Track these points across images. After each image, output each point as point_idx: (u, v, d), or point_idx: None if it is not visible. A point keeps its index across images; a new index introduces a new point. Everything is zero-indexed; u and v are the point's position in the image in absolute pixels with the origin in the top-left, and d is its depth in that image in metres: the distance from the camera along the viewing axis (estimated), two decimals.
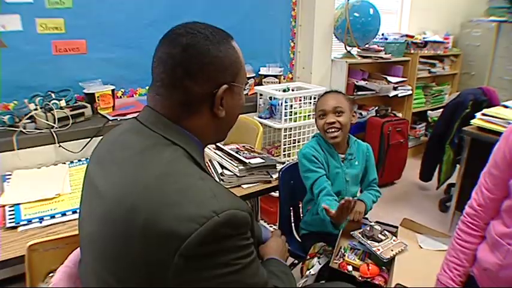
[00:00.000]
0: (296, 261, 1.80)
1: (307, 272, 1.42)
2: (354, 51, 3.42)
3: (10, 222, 1.31)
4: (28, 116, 1.76)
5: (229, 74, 0.84)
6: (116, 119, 1.95)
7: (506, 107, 2.42)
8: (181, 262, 0.66)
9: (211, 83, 0.81)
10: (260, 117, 2.49)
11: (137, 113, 2.15)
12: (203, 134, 0.86)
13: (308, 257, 1.52)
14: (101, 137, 0.96)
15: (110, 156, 0.84)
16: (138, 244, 0.68)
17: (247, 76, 2.65)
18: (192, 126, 0.84)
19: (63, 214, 1.38)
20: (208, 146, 1.00)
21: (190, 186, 0.72)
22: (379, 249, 1.45)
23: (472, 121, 2.40)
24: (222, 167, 1.71)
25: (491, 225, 1.23)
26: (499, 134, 1.38)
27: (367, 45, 3.38)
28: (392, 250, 1.45)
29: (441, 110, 3.20)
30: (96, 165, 0.87)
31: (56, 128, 1.78)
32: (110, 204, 0.74)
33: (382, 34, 3.71)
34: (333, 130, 1.61)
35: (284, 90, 2.48)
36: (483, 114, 2.36)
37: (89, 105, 1.96)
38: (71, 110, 1.86)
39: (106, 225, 0.74)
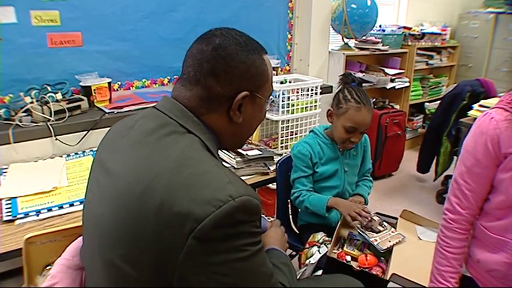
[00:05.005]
0: (294, 253, 1.80)
1: (307, 261, 1.42)
2: (352, 43, 3.41)
3: (7, 216, 1.31)
4: (24, 109, 1.75)
5: (253, 83, 0.87)
6: (113, 112, 1.93)
7: None
8: (194, 244, 0.67)
9: (232, 86, 0.84)
10: None
11: (134, 106, 2.13)
12: (219, 134, 0.88)
13: (307, 245, 1.52)
14: (105, 128, 0.97)
15: (124, 141, 0.85)
16: (151, 225, 0.69)
17: None
18: (209, 122, 0.86)
19: (60, 207, 1.38)
20: None
21: (207, 171, 0.74)
22: (376, 240, 1.46)
23: (470, 113, 2.41)
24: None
25: (481, 227, 1.22)
26: None
27: (364, 37, 3.37)
28: (389, 241, 1.46)
29: (438, 101, 3.21)
30: (109, 150, 0.89)
31: (52, 121, 1.77)
32: (124, 186, 0.75)
33: (380, 26, 3.70)
34: (351, 146, 1.64)
35: (281, 82, 2.47)
36: (480, 106, 2.37)
37: (85, 98, 1.95)
38: (67, 103, 1.84)
39: (118, 207, 0.75)
